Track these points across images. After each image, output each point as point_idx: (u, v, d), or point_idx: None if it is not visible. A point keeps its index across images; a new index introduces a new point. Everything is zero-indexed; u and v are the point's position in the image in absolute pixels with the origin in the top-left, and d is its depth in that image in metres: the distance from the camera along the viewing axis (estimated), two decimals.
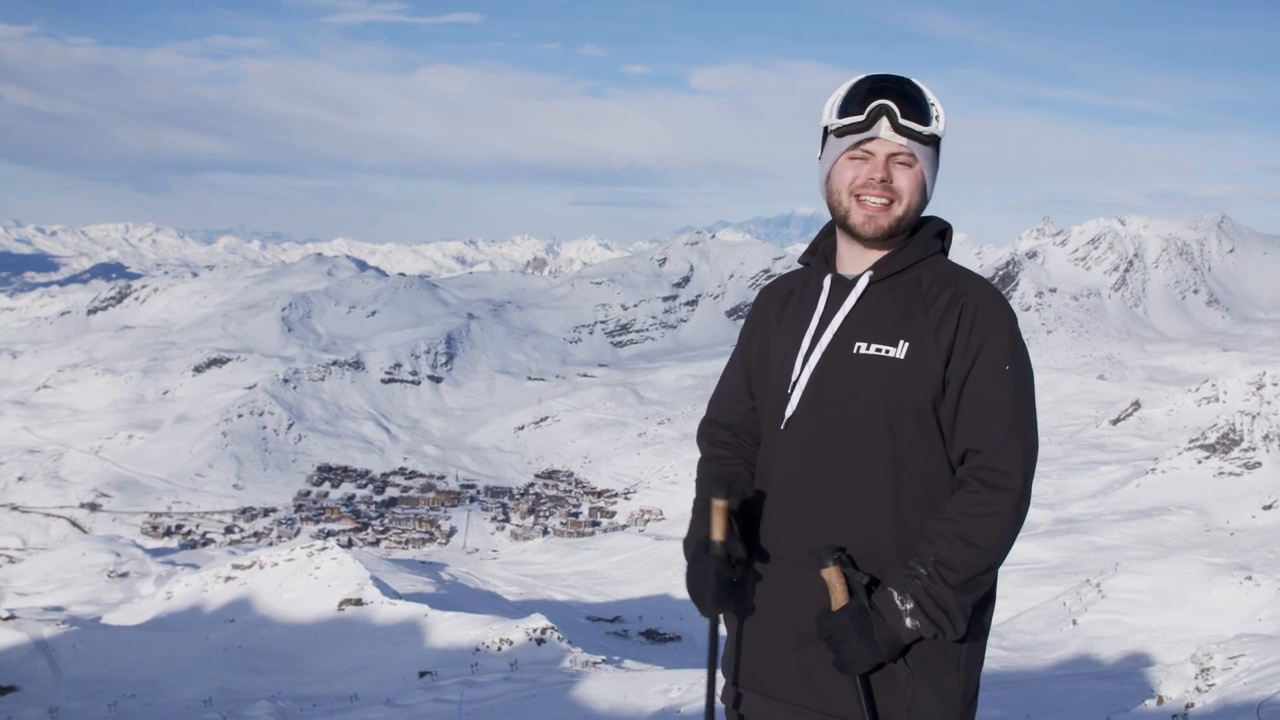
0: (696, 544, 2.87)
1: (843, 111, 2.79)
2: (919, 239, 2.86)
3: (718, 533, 2.79)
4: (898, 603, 2.61)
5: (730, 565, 2.79)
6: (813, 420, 2.81)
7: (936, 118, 2.79)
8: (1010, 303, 2.77)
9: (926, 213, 2.90)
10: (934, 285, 2.79)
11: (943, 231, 2.92)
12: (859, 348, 2.77)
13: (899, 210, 2.79)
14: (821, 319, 2.86)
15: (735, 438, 3.10)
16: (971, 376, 2.69)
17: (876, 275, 2.82)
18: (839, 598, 2.67)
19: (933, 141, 2.79)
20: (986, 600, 2.81)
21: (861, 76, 2.83)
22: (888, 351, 2.73)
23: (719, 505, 2.79)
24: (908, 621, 2.61)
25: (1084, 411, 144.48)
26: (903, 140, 2.75)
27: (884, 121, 2.74)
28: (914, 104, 2.76)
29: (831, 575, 2.67)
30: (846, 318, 2.81)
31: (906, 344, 2.72)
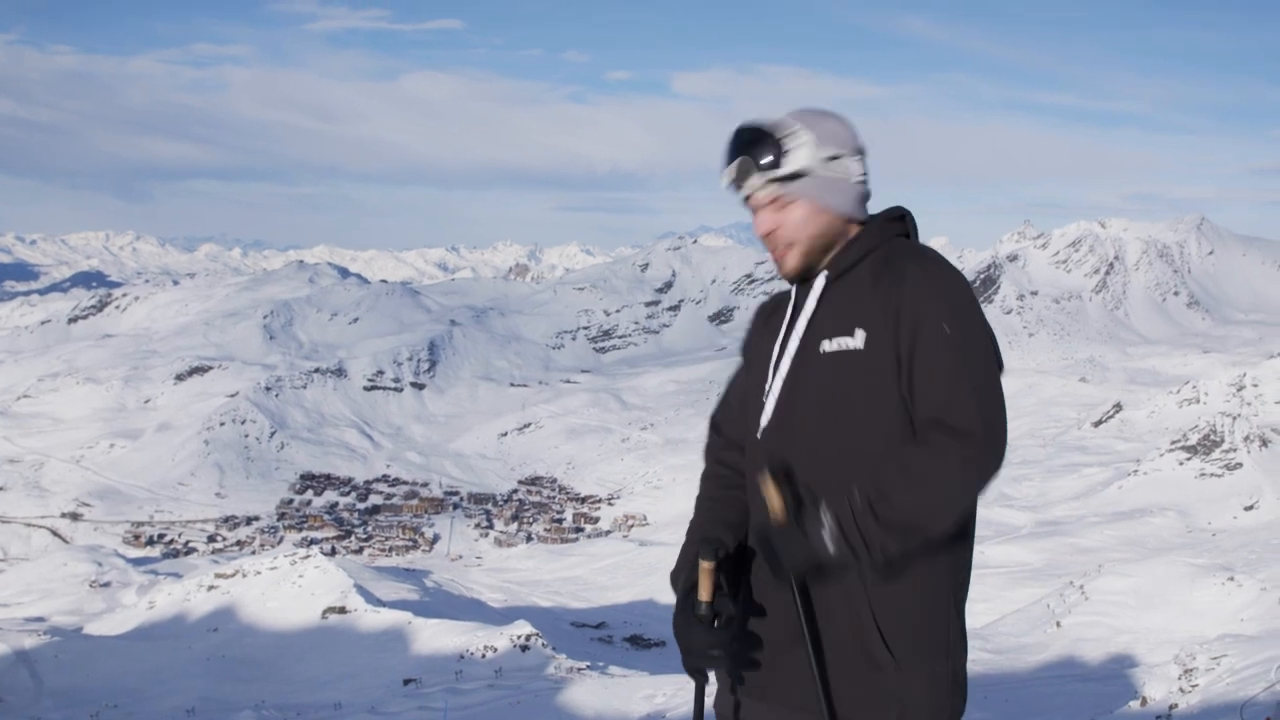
0: (684, 591, 2.79)
1: (722, 174, 2.83)
2: (868, 230, 2.84)
3: (704, 593, 2.71)
4: (822, 519, 2.57)
5: (714, 624, 2.71)
6: (787, 427, 2.79)
7: (791, 150, 2.74)
8: (963, 274, 2.71)
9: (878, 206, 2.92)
10: (884, 269, 2.74)
11: (900, 217, 2.89)
12: (824, 347, 2.74)
13: (800, 250, 2.80)
14: (788, 325, 2.86)
15: (736, 455, 3.05)
16: (918, 346, 2.63)
17: (832, 274, 2.81)
18: (775, 508, 2.65)
19: (791, 178, 2.76)
20: (961, 571, 2.76)
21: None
22: (848, 344, 2.70)
23: (705, 567, 2.71)
24: (829, 543, 2.55)
25: (1066, 414, 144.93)
26: (768, 191, 2.76)
27: (745, 180, 2.77)
28: (763, 148, 2.74)
29: (768, 488, 2.65)
30: (810, 320, 2.79)
31: (864, 333, 2.68)
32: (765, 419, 2.84)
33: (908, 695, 2.67)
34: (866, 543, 2.53)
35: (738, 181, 2.78)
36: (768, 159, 2.73)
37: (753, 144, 2.75)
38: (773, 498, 2.65)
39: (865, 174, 2.86)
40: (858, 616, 2.69)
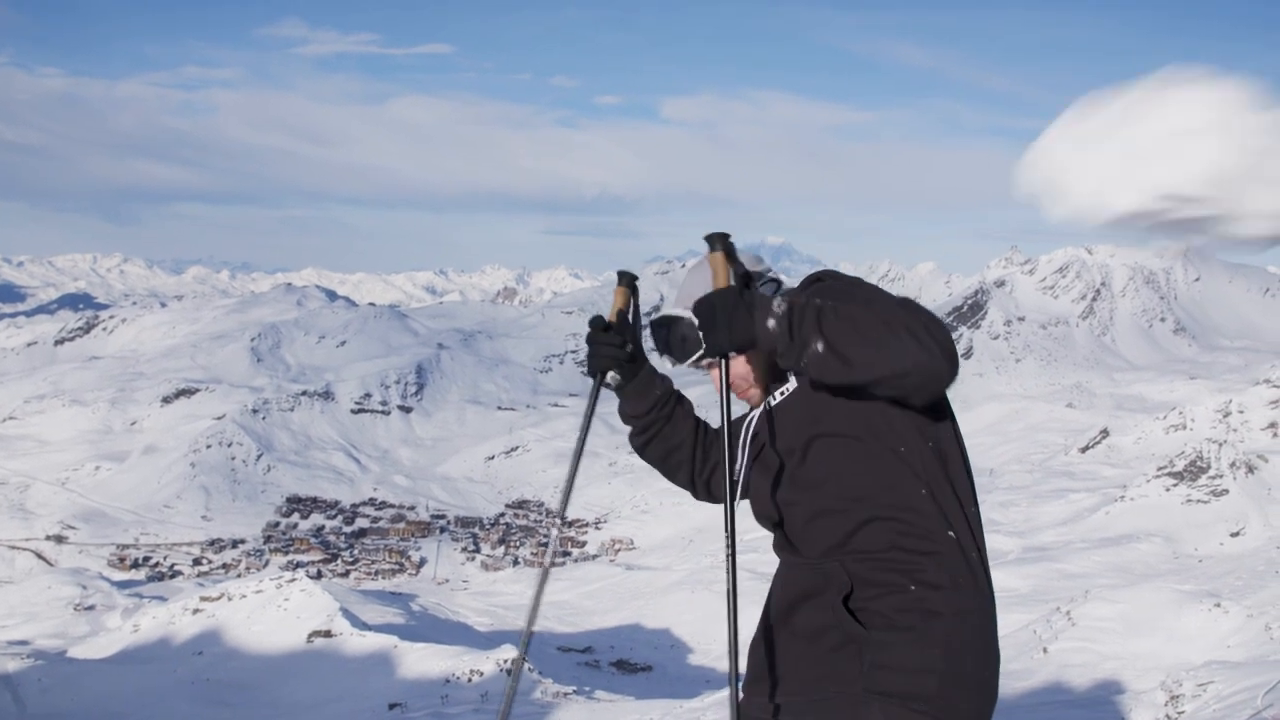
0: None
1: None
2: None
3: (614, 309, 3.22)
4: (773, 303, 2.66)
5: (611, 334, 3.19)
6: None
7: (697, 341, 2.93)
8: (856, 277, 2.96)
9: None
10: None
11: (816, 280, 3.04)
12: (770, 403, 3.08)
13: (754, 389, 3.11)
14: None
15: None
16: None
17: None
18: (720, 280, 2.84)
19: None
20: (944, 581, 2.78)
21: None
22: (785, 390, 3.04)
23: (620, 291, 3.23)
24: (770, 322, 2.65)
25: (1053, 439, 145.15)
26: (700, 365, 3.07)
27: (679, 366, 3.10)
28: (676, 349, 3.04)
29: (716, 260, 2.85)
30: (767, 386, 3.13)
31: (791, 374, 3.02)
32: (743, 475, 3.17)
33: (881, 666, 2.72)
34: (802, 334, 2.61)
35: (677, 366, 3.09)
36: (683, 350, 3.02)
37: (666, 341, 3.08)
38: (719, 268, 2.85)
39: (775, 285, 3.11)
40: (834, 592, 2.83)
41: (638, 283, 3.27)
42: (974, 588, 2.81)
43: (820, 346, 2.58)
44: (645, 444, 3.44)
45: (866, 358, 2.56)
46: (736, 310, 2.68)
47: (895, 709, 2.68)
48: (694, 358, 2.99)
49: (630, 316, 3.23)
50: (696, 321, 2.85)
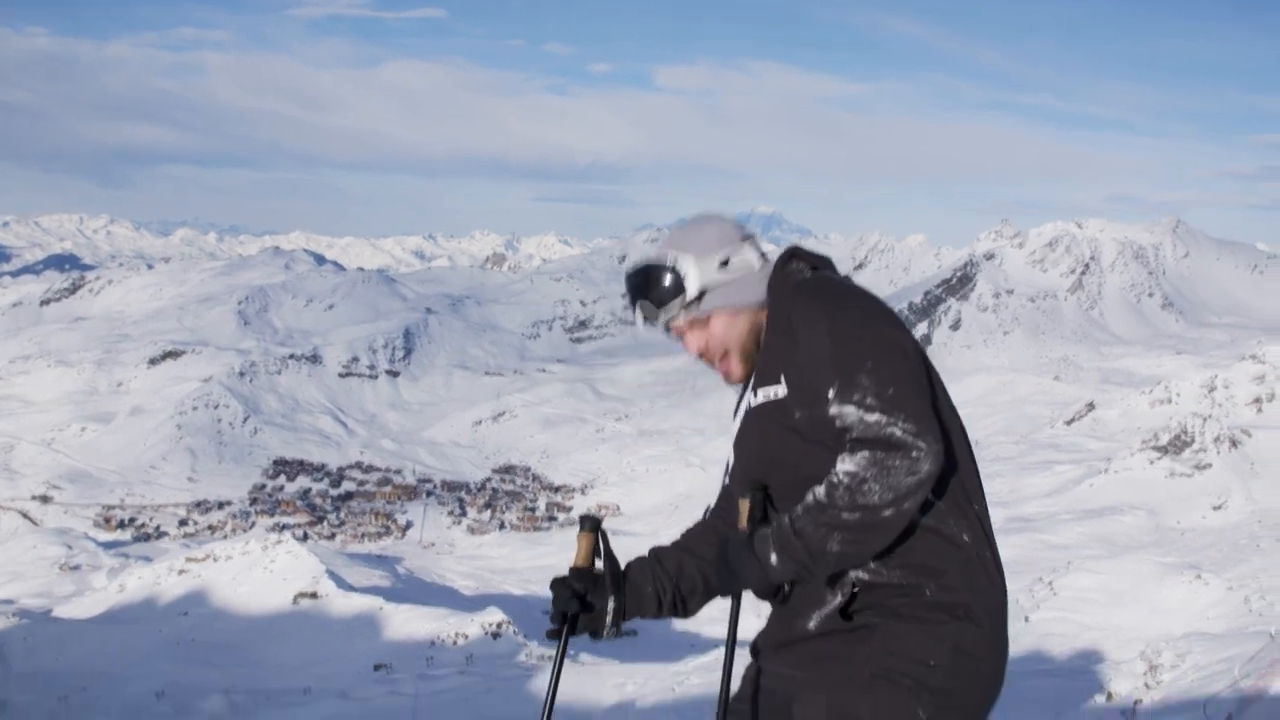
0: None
1: (633, 318, 2.99)
2: (774, 301, 2.91)
3: (579, 559, 3.00)
4: (770, 541, 2.65)
5: (574, 588, 2.97)
6: (741, 476, 2.92)
7: (684, 275, 2.87)
8: (848, 293, 2.72)
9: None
10: (785, 324, 2.82)
11: (789, 258, 2.97)
12: (751, 400, 2.86)
13: (735, 355, 2.93)
14: (741, 395, 3.00)
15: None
16: (815, 384, 2.68)
17: (769, 329, 2.89)
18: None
19: (696, 300, 2.88)
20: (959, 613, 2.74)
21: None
22: (775, 393, 2.78)
23: (582, 537, 3.02)
24: (773, 558, 2.63)
25: (1039, 412, 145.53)
26: (682, 318, 2.90)
27: (656, 318, 2.90)
28: (658, 286, 2.89)
29: (743, 505, 2.78)
30: (754, 376, 2.90)
31: (784, 376, 2.77)
32: (727, 474, 3.03)
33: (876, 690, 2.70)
34: (812, 555, 2.59)
35: (650, 320, 2.92)
36: (666, 294, 2.88)
37: (647, 284, 2.90)
38: (743, 515, 2.77)
39: (761, 254, 2.99)
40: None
41: (603, 526, 3.09)
42: (988, 587, 2.79)
43: (835, 548, 2.58)
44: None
45: (883, 519, 2.55)
46: (738, 560, 2.69)
47: (901, 696, 2.67)
48: (664, 319, 2.89)
49: (603, 561, 3.04)
50: (675, 269, 2.86)
